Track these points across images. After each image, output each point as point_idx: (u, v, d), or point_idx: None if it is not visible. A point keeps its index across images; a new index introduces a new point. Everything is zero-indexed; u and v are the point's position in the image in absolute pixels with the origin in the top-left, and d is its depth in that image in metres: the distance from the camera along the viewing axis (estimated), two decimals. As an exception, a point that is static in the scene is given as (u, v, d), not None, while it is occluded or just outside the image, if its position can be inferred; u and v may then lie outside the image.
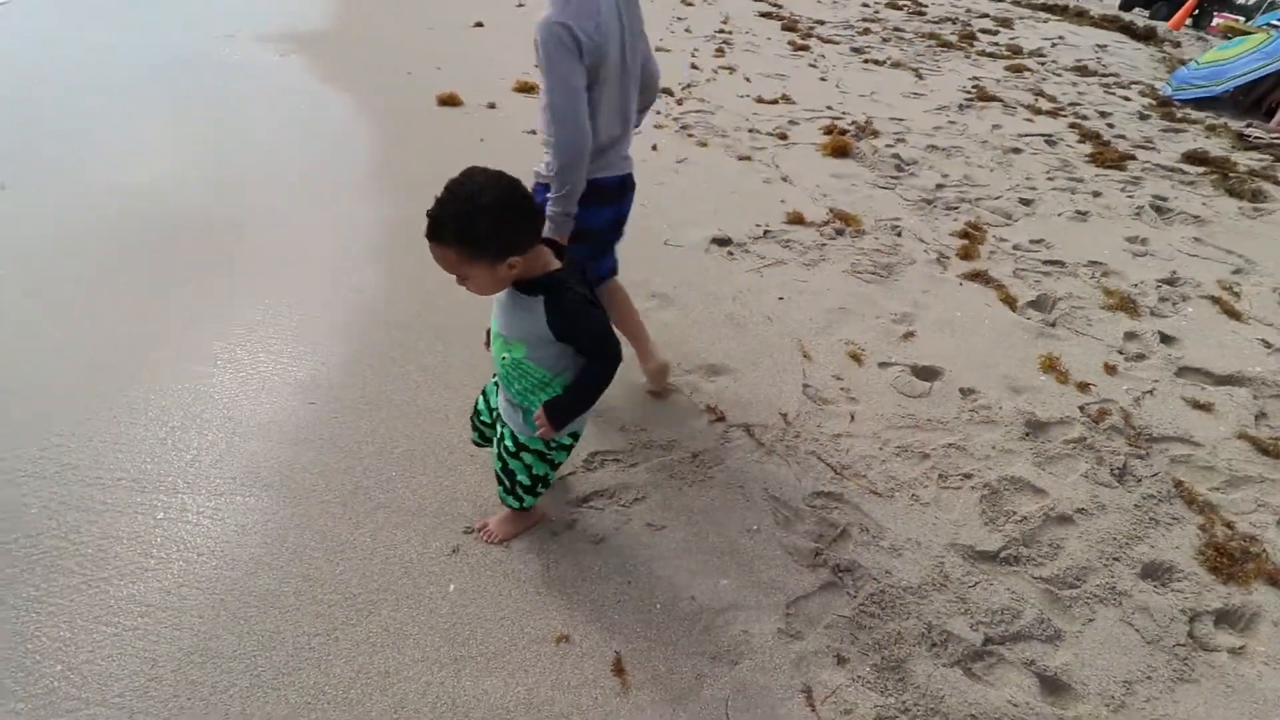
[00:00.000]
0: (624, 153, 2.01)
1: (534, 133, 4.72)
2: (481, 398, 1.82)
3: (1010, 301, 3.28)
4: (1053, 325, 3.15)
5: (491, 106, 5.19)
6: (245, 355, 2.46)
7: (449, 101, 5.16)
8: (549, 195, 1.81)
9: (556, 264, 1.37)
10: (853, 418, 2.48)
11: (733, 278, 3.29)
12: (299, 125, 4.58)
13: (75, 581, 1.66)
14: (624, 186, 2.04)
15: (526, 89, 5.59)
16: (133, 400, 2.20)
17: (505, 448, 1.64)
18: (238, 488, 1.95)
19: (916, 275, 3.46)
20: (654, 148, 4.76)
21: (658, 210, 3.87)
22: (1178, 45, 10.86)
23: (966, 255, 3.66)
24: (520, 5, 8.81)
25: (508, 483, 1.70)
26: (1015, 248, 3.82)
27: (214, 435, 2.11)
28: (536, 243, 1.32)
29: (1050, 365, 2.81)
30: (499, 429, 1.67)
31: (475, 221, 1.19)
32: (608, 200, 1.98)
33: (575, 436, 1.66)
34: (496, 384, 1.68)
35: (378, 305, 2.81)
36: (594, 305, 1.41)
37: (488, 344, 1.58)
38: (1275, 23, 12.92)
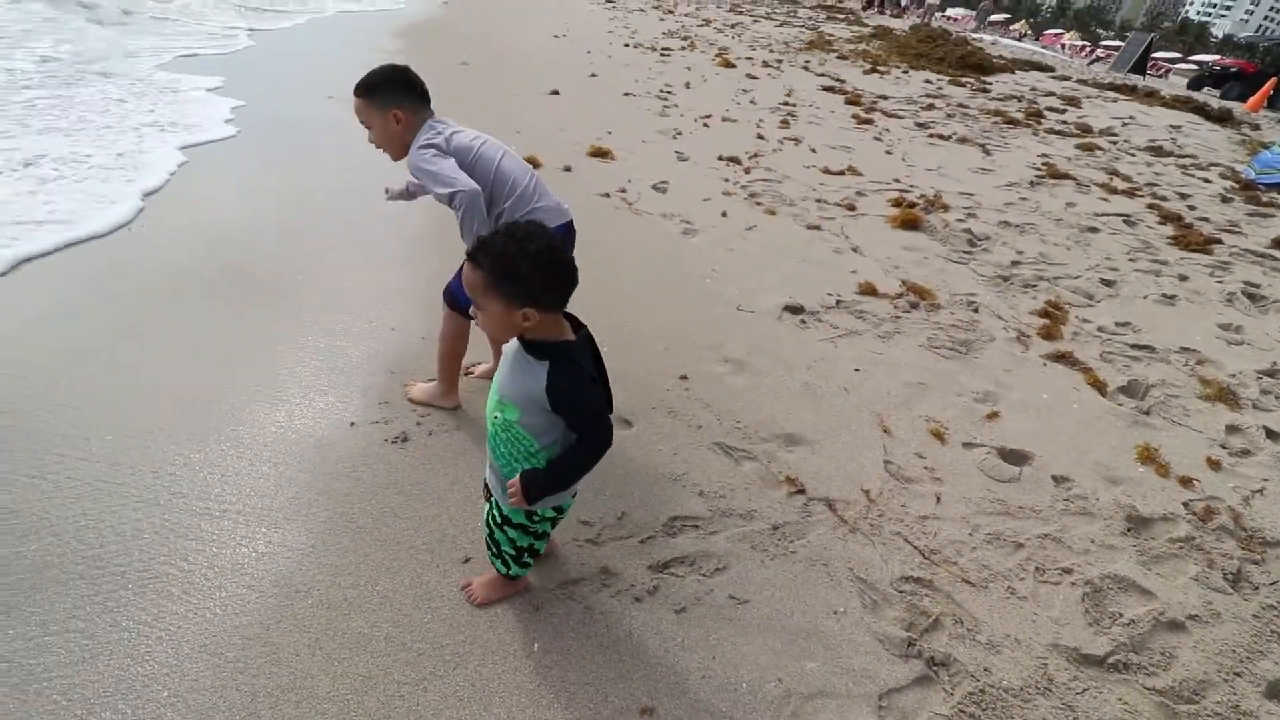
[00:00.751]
0: (553, 204, 2.26)
1: (607, 195, 4.92)
2: None
3: (1099, 386, 3.17)
4: (1147, 413, 3.02)
5: (567, 170, 5.43)
6: (341, 402, 2.57)
7: (529, 163, 5.43)
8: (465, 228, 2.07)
9: (572, 337, 1.42)
10: (939, 499, 2.40)
11: (806, 346, 3.29)
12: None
13: (182, 609, 1.72)
14: (567, 234, 2.29)
15: (600, 154, 5.86)
16: (240, 436, 2.32)
17: (492, 517, 1.65)
18: (333, 528, 2.01)
19: (997, 353, 3.39)
20: (723, 214, 4.89)
21: (728, 276, 3.94)
22: (1256, 128, 10.65)
23: (1049, 335, 3.57)
24: (593, 76, 9.33)
25: (494, 549, 1.70)
26: (1100, 330, 3.72)
27: (311, 475, 2.20)
28: (558, 310, 1.37)
29: (1148, 456, 2.68)
30: (490, 500, 1.69)
31: (516, 261, 1.27)
32: None
33: (560, 511, 1.63)
34: None
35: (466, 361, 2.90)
36: (598, 383, 1.42)
37: None
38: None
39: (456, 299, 2.36)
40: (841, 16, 22.96)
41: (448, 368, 2.51)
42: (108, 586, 1.77)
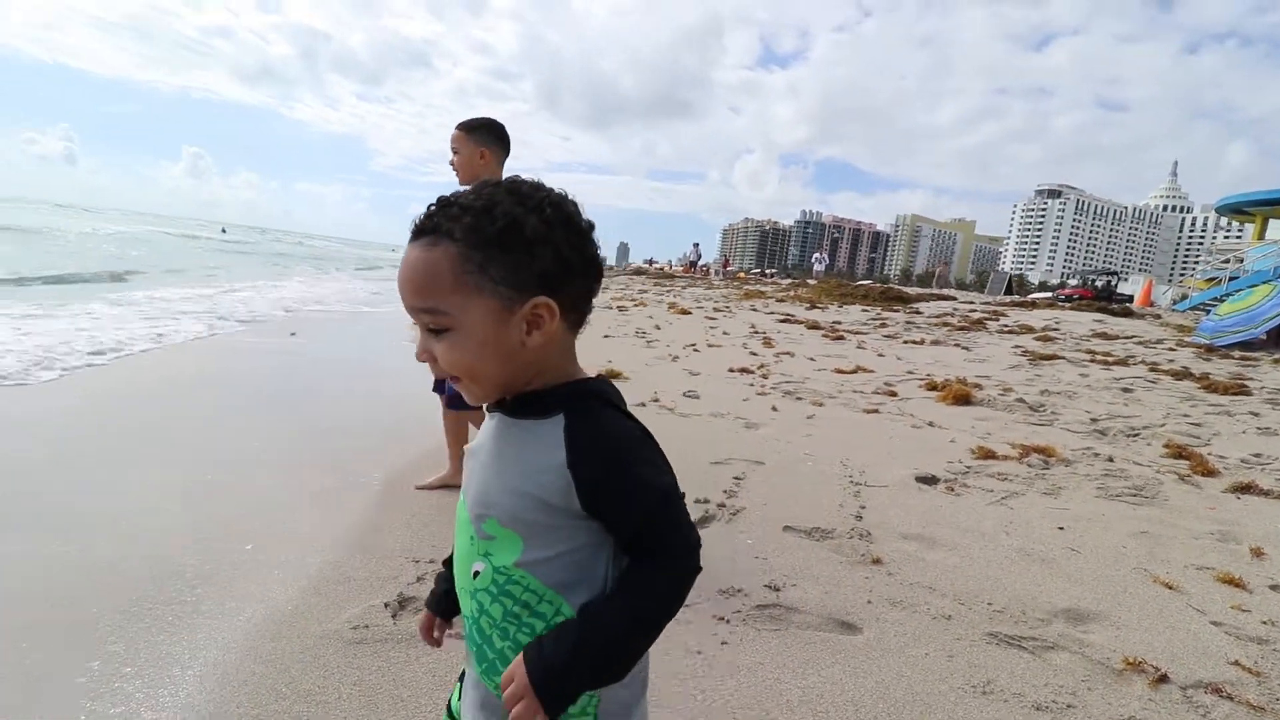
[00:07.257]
0: None
1: (643, 404, 4.55)
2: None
3: (1319, 511, 2.71)
4: (1397, 533, 2.54)
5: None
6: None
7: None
8: None
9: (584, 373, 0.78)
10: (1331, 662, 1.70)
11: (979, 511, 2.72)
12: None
13: None
14: None
15: (612, 375, 5.64)
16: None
17: None
18: None
19: (1179, 494, 2.93)
20: (774, 409, 4.57)
21: (824, 457, 3.45)
22: (1158, 316, 12.17)
23: (1208, 471, 3.19)
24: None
25: None
26: (1243, 462, 3.38)
27: None
28: (584, 314, 0.76)
29: None
30: None
31: (521, 219, 0.67)
32: None
33: None
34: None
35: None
36: (653, 440, 0.75)
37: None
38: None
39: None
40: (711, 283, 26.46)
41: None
42: None
